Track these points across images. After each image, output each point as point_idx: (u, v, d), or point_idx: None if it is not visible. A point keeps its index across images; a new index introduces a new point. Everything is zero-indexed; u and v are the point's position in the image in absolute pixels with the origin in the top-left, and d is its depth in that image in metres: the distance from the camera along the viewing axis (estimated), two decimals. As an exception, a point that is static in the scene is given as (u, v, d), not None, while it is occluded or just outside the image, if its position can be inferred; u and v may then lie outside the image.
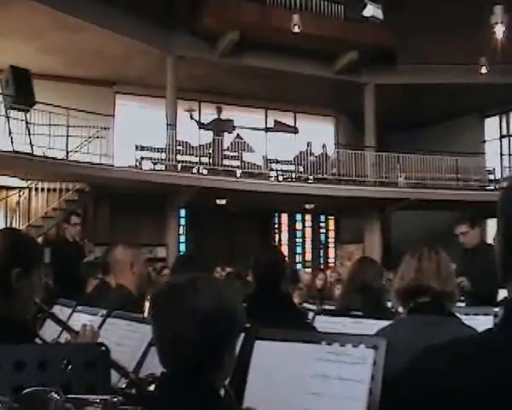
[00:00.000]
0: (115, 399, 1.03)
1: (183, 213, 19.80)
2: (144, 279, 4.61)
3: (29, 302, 2.63)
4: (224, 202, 18.71)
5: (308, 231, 23.40)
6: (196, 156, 18.80)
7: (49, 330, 3.38)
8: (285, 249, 22.09)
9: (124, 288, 4.29)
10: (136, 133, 17.79)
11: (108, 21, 15.78)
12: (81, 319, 3.25)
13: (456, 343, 1.25)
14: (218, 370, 1.82)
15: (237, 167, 19.23)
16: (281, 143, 21.72)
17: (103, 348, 2.19)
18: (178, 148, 18.11)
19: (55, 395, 1.41)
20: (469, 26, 17.66)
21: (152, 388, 2.24)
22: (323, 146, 20.61)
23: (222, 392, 1.89)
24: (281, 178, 19.94)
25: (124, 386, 2.38)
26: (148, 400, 1.90)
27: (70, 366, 2.04)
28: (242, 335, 2.12)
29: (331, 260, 23.23)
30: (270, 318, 2.46)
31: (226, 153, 19.19)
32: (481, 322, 3.04)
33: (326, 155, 20.54)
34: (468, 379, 1.11)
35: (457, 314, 2.93)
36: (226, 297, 1.85)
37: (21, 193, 17.17)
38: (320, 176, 19.83)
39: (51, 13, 14.73)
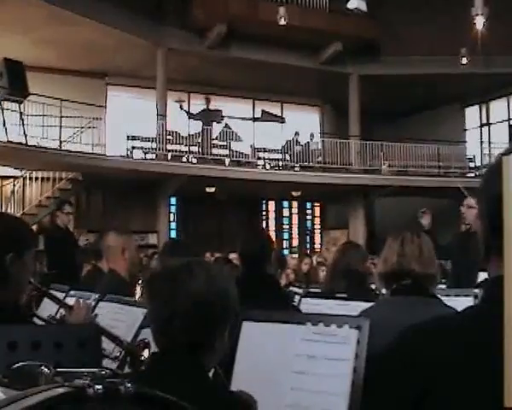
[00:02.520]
0: (103, 372, 1.01)
1: (173, 200, 19.96)
2: (136, 265, 4.63)
3: (23, 284, 2.64)
4: (212, 189, 18.83)
5: (295, 218, 23.52)
6: (186, 146, 18.95)
7: (46, 310, 3.40)
8: (272, 236, 22.28)
9: (116, 273, 4.33)
10: (128, 123, 18.00)
11: (100, 15, 15.90)
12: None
13: (437, 321, 1.30)
14: (210, 352, 1.84)
15: (226, 156, 19.47)
16: (268, 133, 21.86)
17: (94, 327, 2.30)
18: (168, 137, 18.28)
19: (45, 369, 1.45)
20: (450, 17, 17.95)
21: (145, 352, 2.29)
22: (311, 135, 20.92)
23: (212, 373, 1.92)
24: (268, 166, 20.20)
25: (118, 354, 2.41)
26: (137, 378, 1.88)
27: (62, 346, 2.06)
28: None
29: (317, 246, 23.34)
30: (257, 300, 2.54)
31: (215, 142, 19.39)
32: (462, 303, 2.94)
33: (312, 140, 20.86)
34: (449, 355, 1.15)
35: (439, 296, 2.95)
36: (220, 281, 1.88)
37: (16, 182, 17.28)
38: (306, 164, 20.05)
39: (44, 6, 14.86)
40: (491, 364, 0.99)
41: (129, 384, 0.96)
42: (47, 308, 3.44)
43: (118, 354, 2.42)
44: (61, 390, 0.93)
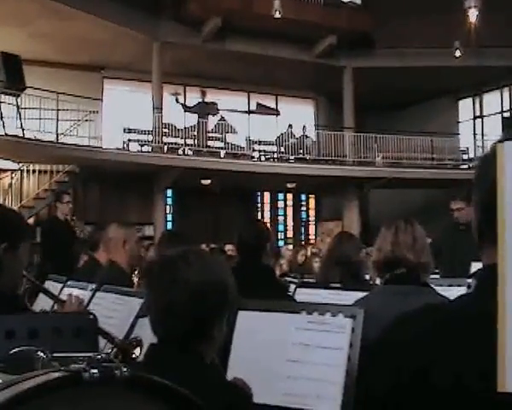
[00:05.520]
0: (99, 356, 1.01)
1: (169, 192, 20.01)
2: (135, 257, 4.63)
3: (17, 276, 2.67)
4: (208, 181, 18.89)
5: (289, 210, 23.56)
6: (182, 138, 19.01)
7: (42, 304, 3.45)
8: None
9: (116, 264, 4.34)
10: (124, 116, 18.05)
11: (96, 8, 15.94)
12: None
13: (430, 309, 1.27)
14: (208, 341, 1.83)
15: (221, 148, 19.49)
16: (263, 125, 21.93)
17: (91, 316, 2.26)
18: (164, 130, 18.34)
19: (42, 354, 1.46)
20: (444, 10, 17.95)
21: (137, 351, 2.25)
22: (304, 128, 21.01)
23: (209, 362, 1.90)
24: (263, 158, 20.24)
25: (110, 351, 2.36)
26: (135, 368, 1.92)
27: (59, 334, 2.06)
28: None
29: (312, 237, 23.38)
30: (253, 289, 2.56)
31: (210, 135, 19.41)
32: (455, 293, 2.81)
33: (307, 137, 20.94)
34: (442, 343, 1.14)
35: (432, 285, 2.94)
36: (217, 271, 1.87)
37: (13, 175, 17.36)
38: (301, 156, 20.16)
39: (40, 0, 14.94)
40: (483, 350, 1.00)
41: (124, 369, 0.97)
42: (42, 303, 3.47)
43: (109, 350, 2.38)
44: (57, 375, 0.95)
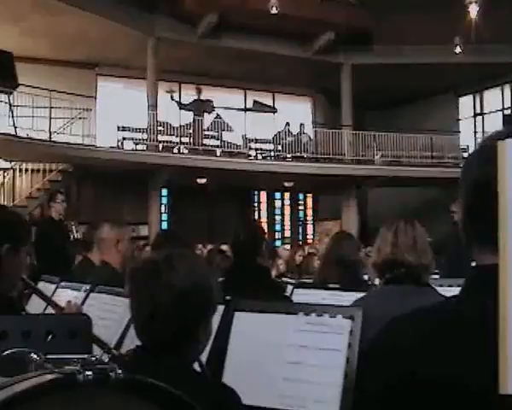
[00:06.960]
0: (93, 358, 1.00)
1: (164, 192, 19.95)
2: (128, 257, 4.60)
3: (16, 278, 2.66)
4: (204, 180, 18.91)
5: (287, 209, 23.60)
6: (177, 136, 18.98)
7: (35, 306, 3.46)
8: (264, 227, 22.39)
9: (108, 265, 4.33)
10: (118, 114, 17.98)
11: (90, 4, 15.85)
12: (65, 295, 3.28)
13: (424, 309, 1.26)
14: (193, 344, 1.85)
15: (217, 147, 19.46)
16: (260, 123, 21.94)
17: (85, 318, 2.23)
18: (159, 128, 18.31)
19: (35, 356, 1.44)
20: (444, 6, 17.83)
21: None
22: (302, 126, 20.94)
23: (197, 367, 1.93)
24: (260, 156, 20.20)
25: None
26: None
27: (53, 337, 2.04)
28: (222, 307, 2.18)
29: (309, 237, 23.47)
30: (248, 290, 2.58)
31: (206, 133, 19.35)
32: (455, 293, 3.00)
33: (304, 133, 20.87)
34: (434, 343, 1.12)
35: (432, 285, 2.90)
36: (201, 273, 1.88)
37: (6, 174, 17.32)
38: (298, 154, 20.09)
39: (34, -4, 14.80)
40: (475, 351, 1.02)
41: (119, 371, 0.99)
42: (35, 305, 3.47)
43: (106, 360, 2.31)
44: (51, 377, 0.97)
